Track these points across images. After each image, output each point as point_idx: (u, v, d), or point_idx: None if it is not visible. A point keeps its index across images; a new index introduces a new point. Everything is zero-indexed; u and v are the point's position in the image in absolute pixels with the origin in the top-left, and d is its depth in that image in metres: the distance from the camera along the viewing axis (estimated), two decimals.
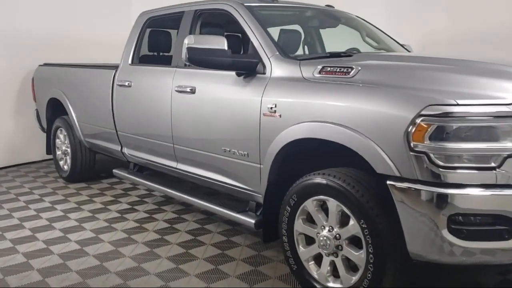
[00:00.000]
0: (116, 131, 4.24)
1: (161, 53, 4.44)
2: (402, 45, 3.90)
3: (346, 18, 3.90)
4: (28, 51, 5.98)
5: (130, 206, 4.34)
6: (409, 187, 2.11)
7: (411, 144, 2.08)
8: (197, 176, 3.47)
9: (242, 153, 2.95)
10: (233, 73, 2.99)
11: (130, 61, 4.11)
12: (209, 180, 3.36)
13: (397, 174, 2.14)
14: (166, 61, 3.91)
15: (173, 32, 4.53)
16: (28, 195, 4.75)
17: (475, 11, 5.22)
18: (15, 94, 6.02)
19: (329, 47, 4.11)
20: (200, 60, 2.80)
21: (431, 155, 2.04)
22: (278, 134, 2.65)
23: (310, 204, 2.55)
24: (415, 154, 2.07)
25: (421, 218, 2.09)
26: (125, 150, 4.26)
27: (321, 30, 4.16)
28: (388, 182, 2.17)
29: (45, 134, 5.65)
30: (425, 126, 2.04)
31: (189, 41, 2.82)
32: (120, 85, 4.06)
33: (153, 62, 4.15)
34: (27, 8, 5.98)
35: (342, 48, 3.67)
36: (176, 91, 3.43)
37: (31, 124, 5.99)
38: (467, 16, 5.30)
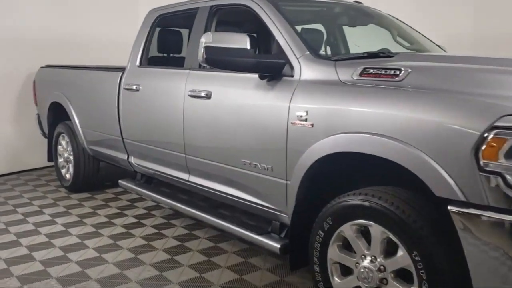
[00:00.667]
0: (122, 139, 3.88)
1: (171, 55, 4.10)
2: (438, 46, 3.52)
3: (376, 15, 3.53)
4: (29, 52, 5.65)
5: (136, 220, 3.98)
6: (477, 214, 1.73)
7: (481, 163, 1.70)
8: (211, 191, 3.10)
9: (265, 166, 2.58)
10: (255, 75, 2.63)
11: (138, 63, 3.76)
12: (225, 196, 2.99)
13: (462, 198, 1.76)
14: (177, 63, 3.56)
15: (184, 32, 4.19)
16: (27, 206, 4.40)
17: (501, 13, 4.85)
18: (16, 97, 5.69)
19: (354, 47, 3.75)
20: (219, 60, 2.43)
21: (507, 176, 1.66)
22: (309, 146, 2.28)
23: (348, 229, 2.17)
24: (486, 174, 1.70)
25: (492, 252, 1.72)
26: (132, 160, 3.90)
27: (344, 28, 3.80)
28: (449, 207, 1.79)
29: (46, 141, 5.32)
30: (499, 141, 1.67)
31: (206, 39, 2.45)
32: (127, 89, 3.71)
33: (163, 64, 3.80)
34: (28, 7, 5.65)
35: (368, 49, 3.30)
36: (190, 95, 3.07)
37: (32, 129, 5.65)
38: (492, 19, 4.93)
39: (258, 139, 2.60)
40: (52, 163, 5.30)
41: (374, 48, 3.29)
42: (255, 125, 2.61)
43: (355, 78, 2.23)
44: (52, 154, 5.13)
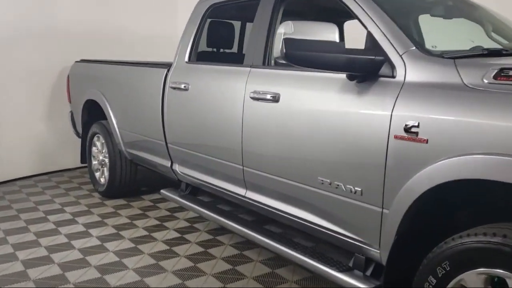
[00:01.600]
0: (166, 144, 3.43)
1: (221, 50, 3.63)
2: None
3: (467, 5, 2.97)
4: (63, 46, 5.26)
5: (179, 235, 3.52)
6: None
7: None
8: (273, 210, 2.61)
9: (352, 189, 2.07)
10: (340, 75, 2.13)
11: (187, 59, 3.29)
12: (292, 218, 2.50)
13: None
14: (231, 59, 3.10)
15: (236, 25, 3.72)
16: (58, 213, 3.99)
17: None
18: (48, 93, 5.30)
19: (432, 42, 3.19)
20: (304, 57, 1.93)
21: None
22: (422, 168, 1.77)
23: (472, 279, 1.65)
24: None
25: None
26: (176, 167, 3.44)
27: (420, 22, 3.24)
28: None
29: (79, 140, 4.92)
30: None
31: (286, 29, 1.98)
32: (174, 88, 3.25)
33: (213, 60, 3.32)
34: None
35: (453, 46, 2.76)
36: (252, 98, 2.59)
37: (65, 128, 5.27)
38: None
39: (343, 154, 2.09)
40: (85, 165, 4.92)
41: (463, 45, 2.74)
42: (339, 136, 2.10)
43: (487, 81, 1.70)
44: (85, 155, 4.73)
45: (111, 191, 4.35)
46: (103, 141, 4.35)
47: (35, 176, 5.21)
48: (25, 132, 5.11)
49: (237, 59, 2.95)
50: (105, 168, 4.40)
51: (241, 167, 2.74)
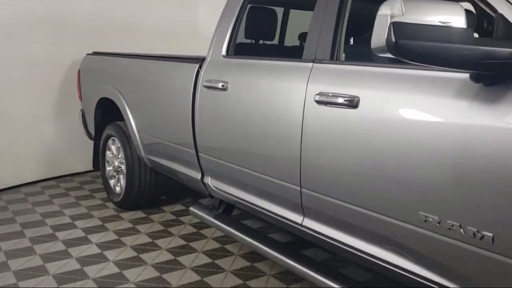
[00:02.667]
0: (197, 153, 2.85)
1: (261, 41, 3.04)
2: None
3: None
4: (74, 36, 4.69)
5: (210, 260, 2.95)
6: None
7: None
8: (342, 246, 2.03)
9: (476, 233, 1.49)
10: (455, 75, 1.55)
11: (224, 52, 2.71)
12: (369, 258, 1.92)
13: None
14: (278, 53, 2.51)
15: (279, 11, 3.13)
16: (69, 229, 3.44)
17: None
18: (57, 89, 4.73)
19: None
20: (425, 49, 1.33)
21: None
22: None
23: None
24: None
25: None
26: (209, 181, 2.86)
27: None
28: None
29: (91, 142, 4.37)
30: None
31: (394, 10, 1.37)
32: (209, 87, 2.67)
33: (255, 54, 2.73)
34: None
35: None
36: (317, 101, 2.00)
37: (75, 128, 4.71)
38: None
39: (462, 185, 1.51)
40: (97, 170, 4.37)
41: None
42: (455, 159, 1.52)
43: None
44: (98, 160, 4.17)
45: (128, 202, 3.79)
46: (119, 145, 3.79)
47: (41, 182, 4.65)
48: (31, 132, 4.55)
49: (284, 52, 2.38)
50: (121, 176, 3.84)
51: (298, 188, 2.16)
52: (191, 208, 2.97)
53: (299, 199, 2.18)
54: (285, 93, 2.20)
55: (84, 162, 4.86)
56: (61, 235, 3.34)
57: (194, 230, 3.46)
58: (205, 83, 2.69)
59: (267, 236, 2.83)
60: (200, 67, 2.81)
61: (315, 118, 2.02)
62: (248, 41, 2.99)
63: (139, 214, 3.77)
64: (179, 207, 3.94)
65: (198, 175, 2.95)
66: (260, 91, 2.34)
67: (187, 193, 4.22)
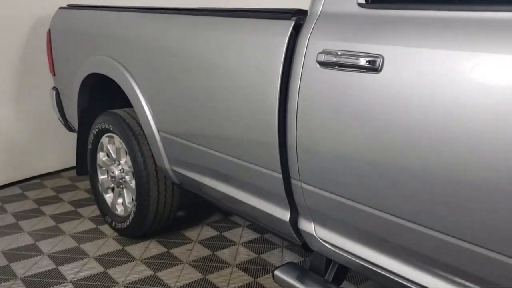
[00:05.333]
0: (287, 179, 1.61)
1: None
2: None
3: None
4: None
5: None
6: None
7: None
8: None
9: None
10: None
11: None
12: None
13: None
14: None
15: None
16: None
17: None
18: (17, 58, 3.28)
19: None
20: None
21: None
22: None
23: None
24: None
25: None
26: (312, 229, 1.62)
27: None
28: None
29: (72, 135, 3.02)
30: None
31: None
32: (330, 64, 1.39)
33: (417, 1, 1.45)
34: None
35: None
36: None
37: (43, 111, 3.33)
38: None
39: None
40: (83, 176, 3.03)
41: None
42: None
43: None
44: (84, 164, 2.83)
45: (138, 231, 2.51)
46: (121, 146, 2.47)
47: (2, 188, 3.27)
48: None
49: None
50: (124, 192, 2.54)
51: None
52: (276, 273, 1.70)
53: None
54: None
55: (58, 157, 3.51)
56: None
57: (242, 271, 2.25)
58: (321, 57, 1.41)
59: None
60: (298, 26, 1.52)
61: None
62: None
63: (155, 247, 2.50)
64: (208, 231, 2.69)
65: (283, 214, 1.70)
66: (463, 74, 1.11)
67: (210, 205, 2.98)
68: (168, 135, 2.13)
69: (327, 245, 1.56)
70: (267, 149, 1.62)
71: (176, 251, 2.47)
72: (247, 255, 2.43)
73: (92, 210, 2.94)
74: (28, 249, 2.46)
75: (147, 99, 2.18)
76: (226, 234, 2.66)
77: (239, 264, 2.35)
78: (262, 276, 2.24)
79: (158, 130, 2.18)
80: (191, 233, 2.67)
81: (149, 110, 2.19)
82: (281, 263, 2.34)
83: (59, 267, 2.29)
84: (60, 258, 2.38)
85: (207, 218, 2.86)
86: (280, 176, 1.62)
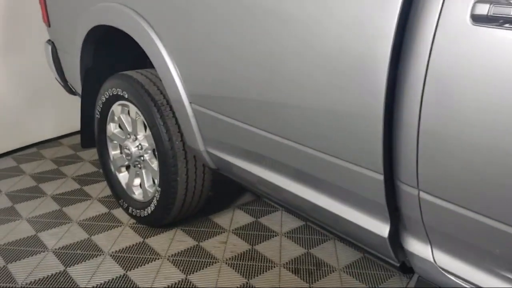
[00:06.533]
0: (393, 182, 1.14)
1: None
2: None
3: None
4: None
5: None
6: None
7: None
8: None
9: None
10: None
11: None
12: None
13: None
14: None
15: None
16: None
17: None
18: (5, 7, 2.71)
19: None
20: None
21: None
22: None
23: None
24: None
25: None
26: (434, 255, 1.15)
27: None
28: None
29: (72, 98, 2.52)
30: None
31: None
32: (493, 19, 0.90)
33: None
34: None
35: None
36: None
37: (36, 68, 2.80)
38: None
39: None
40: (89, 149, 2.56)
41: None
42: None
43: None
44: (93, 135, 2.33)
45: (162, 219, 2.05)
46: (139, 117, 1.97)
47: None
48: None
49: None
50: (143, 172, 2.06)
51: None
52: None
53: None
54: None
55: (56, 123, 3.02)
56: None
57: (297, 279, 1.83)
58: (479, 8, 0.90)
59: None
60: None
61: None
62: None
63: (183, 239, 2.06)
64: (241, 217, 2.25)
65: (380, 228, 1.24)
66: None
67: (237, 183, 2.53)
68: (205, 109, 1.63)
69: (450, 276, 1.12)
70: (364, 138, 1.13)
71: (207, 245, 2.03)
72: (293, 250, 2.01)
73: (102, 189, 2.48)
74: (29, 243, 2.02)
75: (176, 60, 1.66)
76: (263, 221, 2.22)
77: (286, 263, 1.92)
78: (319, 279, 1.83)
79: (190, 102, 1.68)
80: (222, 219, 2.23)
81: (178, 76, 1.67)
82: (336, 259, 1.92)
83: (68, 269, 1.85)
84: (68, 256, 1.94)
85: (237, 199, 2.41)
86: (381, 178, 1.14)
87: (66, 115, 3.02)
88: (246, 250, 2.00)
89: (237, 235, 2.11)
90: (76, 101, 2.77)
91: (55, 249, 1.98)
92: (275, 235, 2.11)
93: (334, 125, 1.20)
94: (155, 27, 1.69)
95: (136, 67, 2.04)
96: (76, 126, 3.09)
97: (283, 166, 1.44)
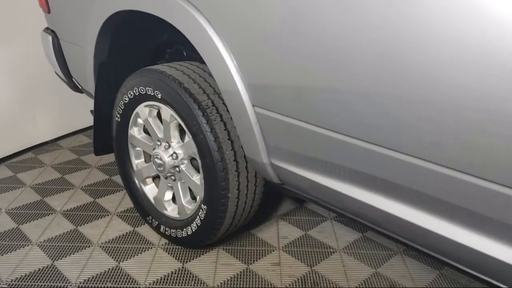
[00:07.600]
0: None
1: None
2: None
3: None
4: None
5: None
6: None
7: None
8: None
9: None
10: None
11: None
12: None
13: None
14: None
15: None
16: None
17: None
18: None
19: None
20: None
21: None
22: None
23: None
24: None
25: None
26: None
27: None
28: None
29: (71, 94, 2.15)
30: None
31: None
32: None
33: None
34: None
35: None
36: None
37: (35, 62, 2.40)
38: None
39: None
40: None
41: None
42: None
43: None
44: (104, 142, 1.97)
45: (205, 240, 1.73)
46: (173, 121, 1.63)
47: None
48: None
49: None
50: (179, 185, 1.73)
51: None
52: None
53: None
54: None
55: (52, 123, 2.63)
56: None
57: None
58: None
59: None
60: None
61: None
62: None
63: (228, 262, 1.75)
64: (288, 230, 1.95)
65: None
66: None
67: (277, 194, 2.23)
68: (273, 113, 1.31)
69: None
70: None
71: (258, 268, 1.73)
72: (360, 269, 1.73)
73: (119, 201, 2.14)
74: (44, 272, 1.67)
75: (236, 53, 1.32)
76: (314, 233, 1.94)
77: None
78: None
79: (253, 105, 1.35)
80: (266, 234, 1.93)
81: (239, 73, 1.34)
82: (412, 280, 1.66)
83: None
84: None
85: (277, 208, 2.12)
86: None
87: (64, 113, 2.64)
88: (306, 273, 1.71)
89: (288, 254, 1.81)
90: (76, 97, 2.41)
91: (78, 282, 1.64)
92: (334, 252, 1.82)
93: (481, 141, 0.91)
94: (205, 14, 1.35)
95: (151, 63, 1.69)
96: (76, 124, 2.73)
97: (392, 185, 1.14)
